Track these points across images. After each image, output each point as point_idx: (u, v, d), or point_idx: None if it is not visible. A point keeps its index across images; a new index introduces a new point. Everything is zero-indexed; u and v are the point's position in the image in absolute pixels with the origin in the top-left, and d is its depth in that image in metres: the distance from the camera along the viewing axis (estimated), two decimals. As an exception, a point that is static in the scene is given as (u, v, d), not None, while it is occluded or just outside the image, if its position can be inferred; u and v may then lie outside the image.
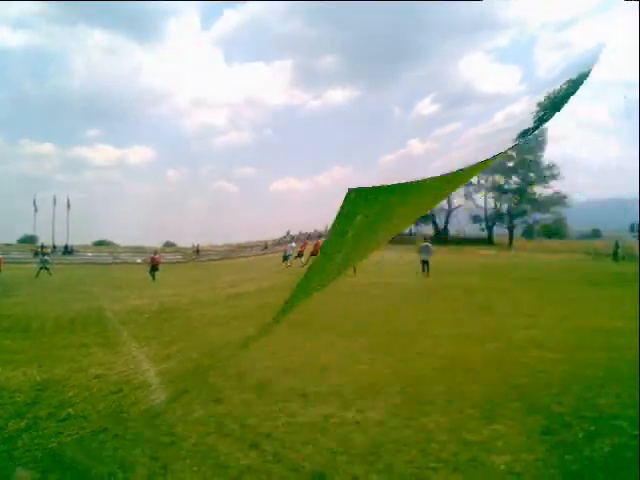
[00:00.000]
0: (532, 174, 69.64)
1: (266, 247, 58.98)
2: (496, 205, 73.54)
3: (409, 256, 33.17)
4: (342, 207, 1.92)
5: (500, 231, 74.46)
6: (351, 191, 1.85)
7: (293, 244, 31.91)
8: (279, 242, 63.03)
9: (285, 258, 28.58)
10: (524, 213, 72.11)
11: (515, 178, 71.17)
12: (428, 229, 73.73)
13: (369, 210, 2.09)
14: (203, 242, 60.90)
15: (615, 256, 40.80)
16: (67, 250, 46.03)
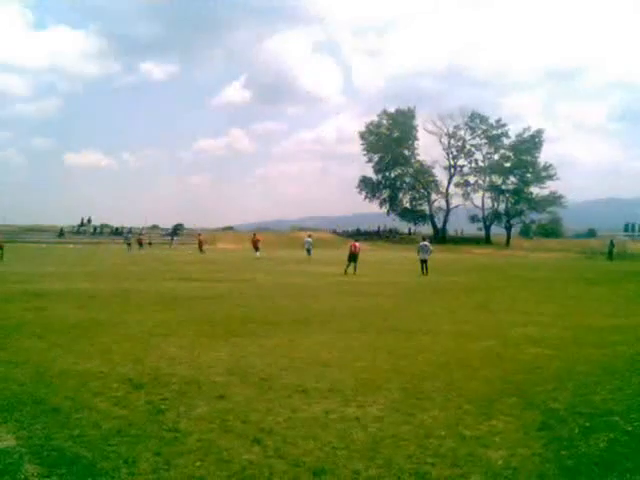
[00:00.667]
0: (529, 175, 69.61)
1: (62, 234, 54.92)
2: (494, 205, 73.56)
3: (409, 255, 33.18)
4: None
5: (497, 230, 74.44)
6: None
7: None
8: (79, 230, 58.41)
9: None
10: (521, 213, 72.15)
11: (512, 178, 71.13)
12: (427, 229, 73.75)
13: None
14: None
15: (610, 255, 40.84)
16: None
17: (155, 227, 69.70)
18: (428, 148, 76.82)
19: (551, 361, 6.28)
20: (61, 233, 55.98)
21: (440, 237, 68.37)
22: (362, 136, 73.63)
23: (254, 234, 36.98)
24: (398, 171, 74.57)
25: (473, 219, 74.42)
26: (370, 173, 74.81)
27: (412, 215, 75.18)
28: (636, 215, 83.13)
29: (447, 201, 74.18)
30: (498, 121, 71.39)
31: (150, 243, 49.33)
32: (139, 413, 4.27)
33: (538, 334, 8.08)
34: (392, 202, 74.61)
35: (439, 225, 74.51)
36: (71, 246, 46.93)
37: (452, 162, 73.40)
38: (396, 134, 71.85)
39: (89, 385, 5.01)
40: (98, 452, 3.48)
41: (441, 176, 74.78)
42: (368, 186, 75.12)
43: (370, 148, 73.23)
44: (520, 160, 69.14)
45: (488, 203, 73.61)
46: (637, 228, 62.84)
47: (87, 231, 59.80)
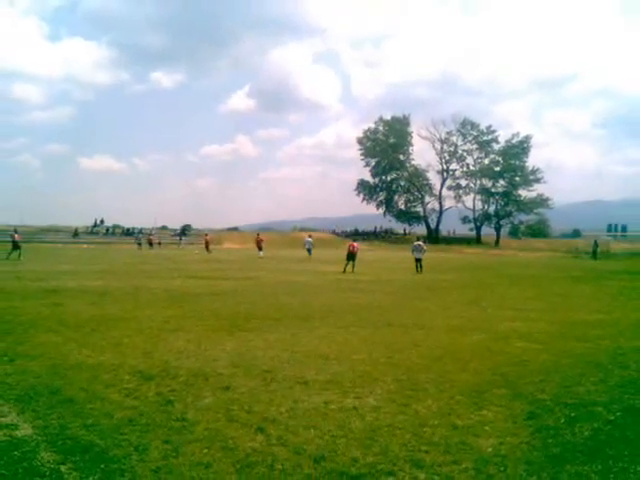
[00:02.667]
0: (518, 178, 69.67)
1: (76, 234, 54.67)
2: (484, 207, 73.60)
3: (404, 254, 33.15)
4: None
5: (488, 231, 74.51)
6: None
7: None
8: (92, 231, 58.24)
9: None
10: (510, 214, 72.20)
11: (502, 182, 71.17)
12: (421, 229, 73.77)
13: None
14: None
15: (594, 254, 40.80)
16: None
17: (164, 228, 69.66)
18: (422, 153, 77.43)
19: (538, 354, 6.28)
20: (75, 233, 55.90)
21: (433, 237, 68.37)
22: (360, 142, 73.66)
23: (258, 234, 36.93)
24: (394, 175, 74.61)
25: (465, 220, 74.45)
26: (368, 177, 74.94)
27: (407, 216, 75.18)
28: (619, 216, 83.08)
29: (440, 203, 74.27)
30: (488, 127, 71.49)
31: (159, 243, 49.23)
32: (149, 404, 4.27)
33: (526, 329, 8.08)
34: (388, 204, 74.61)
35: (432, 226, 74.51)
36: (85, 246, 46.86)
37: (445, 166, 73.49)
38: (392, 140, 71.85)
39: (102, 377, 5.02)
40: (110, 440, 3.49)
41: (434, 179, 74.97)
42: (366, 189, 75.16)
43: (367, 153, 73.25)
44: (509, 164, 69.22)
45: (479, 205, 73.81)
46: (620, 229, 62.77)
47: (100, 232, 59.72)
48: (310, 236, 33.00)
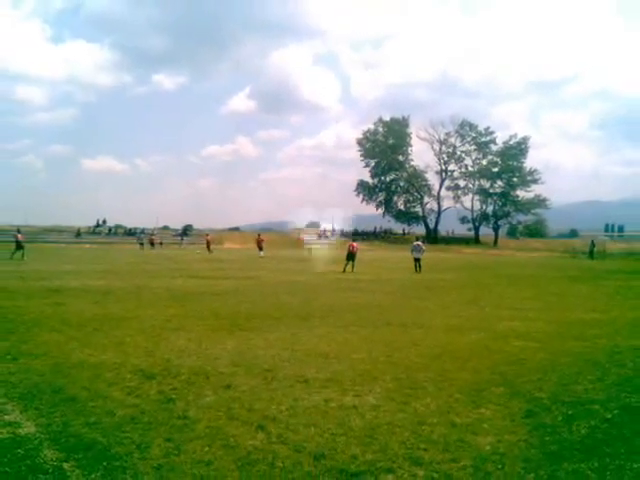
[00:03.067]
0: (515, 179, 69.69)
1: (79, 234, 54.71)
2: (482, 207, 73.60)
3: (403, 254, 33.15)
4: None
5: (486, 231, 74.49)
6: None
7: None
8: (95, 231, 58.30)
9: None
10: (508, 214, 72.20)
11: (500, 182, 71.19)
12: (420, 229, 73.80)
13: None
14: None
15: (591, 254, 40.80)
16: None
17: (166, 228, 69.68)
18: (421, 154, 77.33)
19: (536, 353, 6.28)
20: (78, 234, 55.87)
21: (432, 237, 68.37)
22: (359, 143, 73.64)
23: (258, 234, 36.89)
24: (393, 175, 74.59)
25: (463, 220, 74.48)
26: (367, 177, 74.92)
27: (406, 217, 75.17)
28: (616, 217, 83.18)
29: (439, 203, 74.30)
30: (487, 129, 71.48)
31: (161, 243, 49.17)
32: (151, 402, 4.27)
33: (524, 328, 8.08)
34: (387, 204, 74.61)
35: (431, 226, 74.51)
36: (87, 246, 46.81)
37: (443, 167, 73.52)
38: (391, 141, 71.82)
39: (104, 376, 5.02)
40: (113, 438, 3.49)
41: (433, 180, 74.99)
42: (365, 189, 75.14)
43: (367, 154, 73.22)
44: (507, 165, 69.24)
45: (477, 205, 73.82)
46: (617, 229, 62.79)
47: (102, 232, 59.68)
48: None
